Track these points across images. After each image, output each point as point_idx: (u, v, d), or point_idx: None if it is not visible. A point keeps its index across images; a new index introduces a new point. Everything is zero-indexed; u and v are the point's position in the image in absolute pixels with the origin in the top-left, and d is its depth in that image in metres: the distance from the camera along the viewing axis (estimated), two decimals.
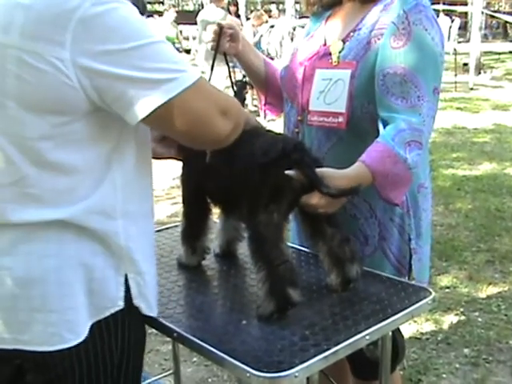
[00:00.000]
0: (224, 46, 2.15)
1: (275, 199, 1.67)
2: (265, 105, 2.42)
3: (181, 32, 26.06)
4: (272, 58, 12.03)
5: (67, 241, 1.42)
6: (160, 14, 13.33)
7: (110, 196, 1.46)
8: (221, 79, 8.81)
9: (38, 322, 1.42)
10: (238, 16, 13.24)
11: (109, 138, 1.45)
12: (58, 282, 1.42)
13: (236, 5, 13.61)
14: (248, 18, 13.71)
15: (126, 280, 1.50)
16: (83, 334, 1.44)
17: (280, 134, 1.79)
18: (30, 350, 1.43)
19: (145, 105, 1.34)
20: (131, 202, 1.50)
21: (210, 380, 3.37)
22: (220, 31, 2.12)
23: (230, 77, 2.21)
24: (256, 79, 2.36)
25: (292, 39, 16.40)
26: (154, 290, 1.62)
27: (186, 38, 26.51)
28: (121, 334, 1.52)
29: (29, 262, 1.41)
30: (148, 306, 1.56)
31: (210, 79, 2.27)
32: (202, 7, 11.57)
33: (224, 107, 1.47)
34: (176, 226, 2.42)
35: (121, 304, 1.49)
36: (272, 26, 14.42)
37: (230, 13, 13.31)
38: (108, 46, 1.31)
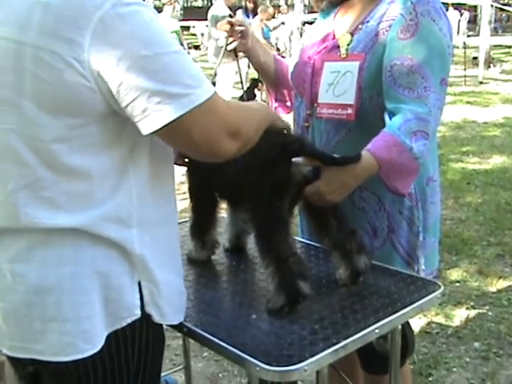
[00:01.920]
0: (234, 42, 2.16)
1: (278, 195, 1.69)
2: (275, 101, 2.43)
3: (190, 27, 26.13)
4: (280, 54, 12.02)
5: (82, 248, 1.39)
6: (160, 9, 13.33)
7: (125, 203, 1.42)
8: (231, 75, 8.83)
9: (53, 331, 1.39)
10: (256, 14, 13.13)
11: (124, 144, 1.41)
12: (74, 290, 1.39)
13: (255, 2, 13.53)
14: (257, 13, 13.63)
15: (140, 287, 1.47)
16: (99, 344, 1.41)
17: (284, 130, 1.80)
18: (44, 360, 1.41)
19: (157, 118, 1.31)
20: (146, 210, 1.47)
21: (220, 375, 3.37)
22: (231, 28, 2.13)
23: (240, 74, 2.22)
24: (266, 76, 2.37)
25: (301, 34, 16.39)
26: (174, 298, 1.57)
27: (194, 34, 26.59)
28: (138, 342, 1.49)
29: (43, 269, 1.39)
30: (160, 315, 1.51)
31: (215, 74, 2.28)
32: (211, 3, 11.55)
33: (234, 129, 1.42)
34: (186, 222, 2.42)
35: (138, 313, 1.46)
36: (283, 23, 14.40)
37: (246, 10, 13.27)
38: (126, 50, 1.27)
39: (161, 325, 1.56)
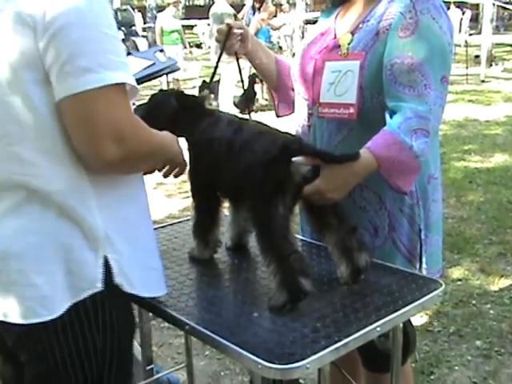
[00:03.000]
0: (234, 46, 2.16)
1: (279, 194, 1.70)
2: (278, 102, 2.43)
3: (192, 27, 26.19)
4: (281, 53, 11.99)
5: (48, 219, 1.48)
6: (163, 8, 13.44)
7: (85, 176, 1.50)
8: (234, 74, 8.92)
9: (14, 295, 1.49)
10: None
11: None
12: (37, 259, 1.48)
13: (262, 1, 13.52)
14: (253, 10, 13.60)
15: (107, 262, 1.53)
16: (58, 311, 1.48)
17: (282, 131, 1.82)
18: (8, 321, 1.50)
19: (63, 88, 1.39)
20: (103, 186, 1.54)
21: (222, 373, 3.38)
22: (229, 31, 2.13)
23: (241, 74, 2.23)
24: (267, 77, 2.37)
25: (303, 33, 16.38)
26: (140, 271, 1.62)
27: (195, 34, 26.59)
28: (101, 316, 1.55)
29: (11, 237, 1.49)
30: (129, 284, 1.58)
31: (213, 73, 2.30)
32: (213, 2, 11.55)
33: (121, 133, 1.43)
34: (188, 220, 2.44)
35: (99, 286, 1.52)
36: (284, 24, 14.37)
37: (253, 8, 13.27)
38: (60, 16, 1.37)
39: (127, 301, 1.63)
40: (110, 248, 1.54)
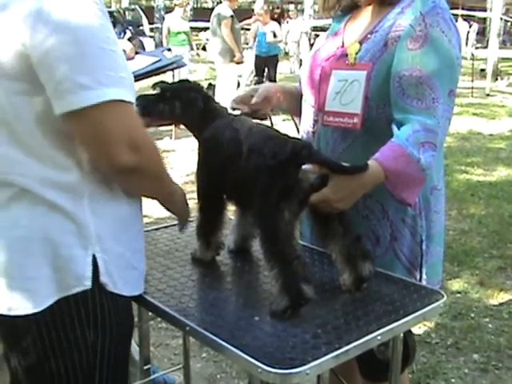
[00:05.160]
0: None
1: (285, 199, 1.70)
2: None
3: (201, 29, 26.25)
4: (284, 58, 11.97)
5: (38, 214, 1.50)
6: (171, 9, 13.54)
7: (76, 176, 1.52)
8: (232, 76, 8.87)
9: (1, 287, 1.51)
10: (278, 21, 13.17)
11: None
12: (24, 252, 1.51)
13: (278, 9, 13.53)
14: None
15: (95, 260, 1.55)
16: (44, 304, 1.50)
17: (292, 137, 1.82)
18: None
19: (63, 103, 1.40)
20: (99, 184, 1.55)
21: (218, 376, 3.38)
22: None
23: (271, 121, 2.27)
24: (292, 109, 2.39)
25: (310, 39, 16.40)
26: (122, 270, 1.63)
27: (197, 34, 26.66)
28: (92, 313, 1.56)
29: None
30: (112, 283, 1.59)
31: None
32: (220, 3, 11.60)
33: (136, 142, 1.47)
34: (191, 221, 2.43)
35: (87, 284, 1.54)
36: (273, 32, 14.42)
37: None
38: (55, 30, 1.37)
39: (123, 303, 1.65)
40: (99, 247, 1.55)
